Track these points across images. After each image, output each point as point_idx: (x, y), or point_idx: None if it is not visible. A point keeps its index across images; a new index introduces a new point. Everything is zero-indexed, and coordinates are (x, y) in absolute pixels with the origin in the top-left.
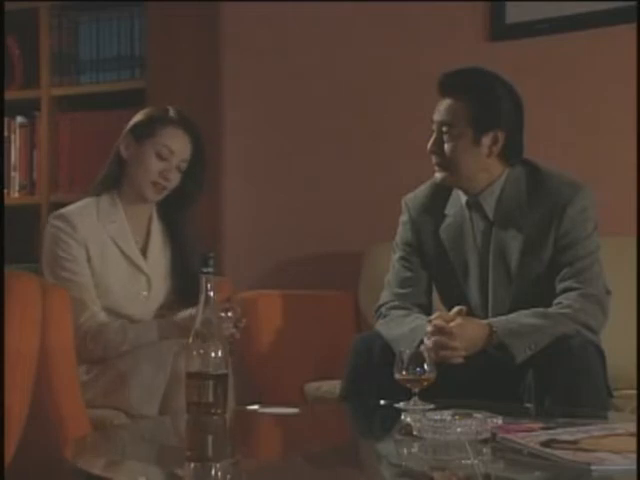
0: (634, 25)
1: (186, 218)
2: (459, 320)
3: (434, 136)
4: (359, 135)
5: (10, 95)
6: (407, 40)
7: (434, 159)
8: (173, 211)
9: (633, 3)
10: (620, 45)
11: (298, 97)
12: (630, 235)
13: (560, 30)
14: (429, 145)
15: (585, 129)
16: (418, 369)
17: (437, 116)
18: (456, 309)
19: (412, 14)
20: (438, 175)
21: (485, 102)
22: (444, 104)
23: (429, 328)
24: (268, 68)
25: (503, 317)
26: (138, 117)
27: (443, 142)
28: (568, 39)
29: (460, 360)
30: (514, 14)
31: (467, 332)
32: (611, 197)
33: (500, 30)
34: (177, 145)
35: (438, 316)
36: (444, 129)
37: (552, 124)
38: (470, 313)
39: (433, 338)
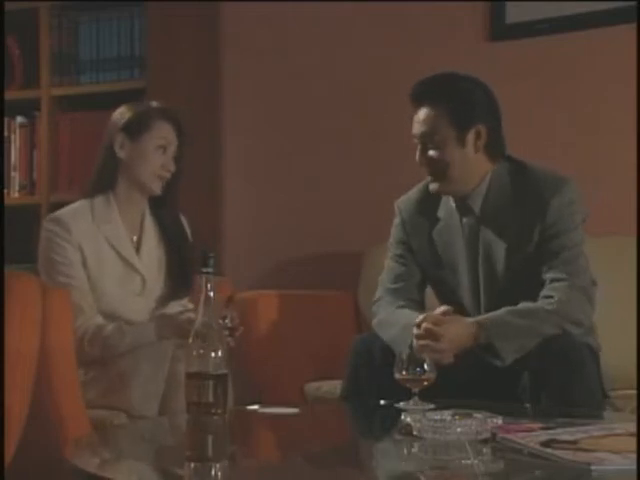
0: (634, 25)
1: (175, 202)
2: (444, 321)
3: (419, 148)
4: (359, 135)
5: (10, 95)
6: (407, 40)
7: (426, 170)
8: (162, 199)
9: (633, 3)
10: (620, 45)
11: (298, 97)
12: (630, 235)
13: (560, 30)
14: (417, 158)
15: (585, 129)
16: (418, 369)
17: (417, 129)
18: (441, 309)
19: (412, 14)
20: (432, 186)
21: (461, 100)
22: (421, 115)
23: (415, 331)
24: (268, 68)
25: (489, 315)
26: (126, 115)
27: (429, 152)
28: (568, 39)
29: (450, 360)
30: (514, 14)
31: (452, 332)
32: (611, 197)
33: (500, 30)
34: (170, 135)
35: (423, 318)
36: (427, 139)
37: (552, 124)
38: (464, 312)
39: (420, 342)
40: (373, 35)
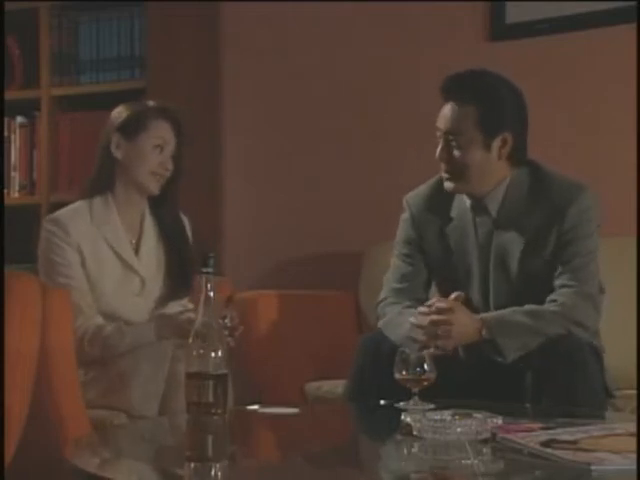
0: (634, 25)
1: (175, 201)
2: (456, 304)
3: (441, 144)
4: (359, 135)
5: (10, 95)
6: (407, 40)
7: (443, 167)
8: (162, 198)
9: (633, 3)
10: (620, 45)
11: (298, 97)
12: (630, 235)
13: (560, 30)
14: (437, 153)
15: (585, 129)
16: (418, 369)
17: (442, 124)
18: (454, 294)
19: (412, 14)
20: (448, 185)
21: (492, 105)
22: (448, 110)
23: (423, 309)
24: (268, 68)
25: (494, 313)
26: (122, 115)
27: (451, 149)
28: (568, 39)
29: (449, 348)
30: (514, 14)
31: (461, 317)
32: (611, 197)
33: (500, 30)
34: (168, 135)
35: (436, 299)
36: (451, 137)
37: (552, 124)
38: (473, 311)
39: (432, 317)
40: (373, 35)
